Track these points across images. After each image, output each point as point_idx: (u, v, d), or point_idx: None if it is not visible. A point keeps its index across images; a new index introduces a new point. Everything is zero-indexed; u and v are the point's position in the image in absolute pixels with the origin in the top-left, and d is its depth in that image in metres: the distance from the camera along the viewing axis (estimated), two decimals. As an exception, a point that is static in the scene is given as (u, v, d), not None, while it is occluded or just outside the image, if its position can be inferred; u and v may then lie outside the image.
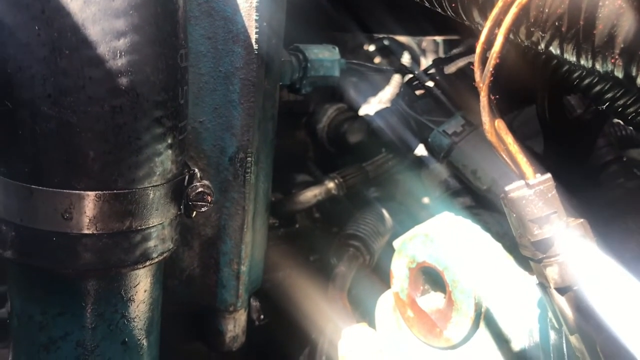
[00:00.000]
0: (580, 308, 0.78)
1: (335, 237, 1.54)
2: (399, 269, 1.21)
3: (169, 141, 0.89)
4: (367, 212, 1.55)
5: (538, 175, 0.79)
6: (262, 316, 1.51)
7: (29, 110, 0.81)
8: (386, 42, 2.43)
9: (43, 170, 0.83)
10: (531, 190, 0.78)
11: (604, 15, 0.70)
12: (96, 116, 0.81)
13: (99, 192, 0.84)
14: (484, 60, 0.76)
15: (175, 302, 1.14)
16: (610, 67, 0.74)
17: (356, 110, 1.81)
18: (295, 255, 1.61)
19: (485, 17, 0.83)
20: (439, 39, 2.34)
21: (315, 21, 1.63)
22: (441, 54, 2.35)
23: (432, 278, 1.19)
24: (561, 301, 0.79)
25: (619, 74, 0.74)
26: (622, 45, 0.70)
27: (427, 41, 2.43)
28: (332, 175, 1.58)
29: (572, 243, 0.78)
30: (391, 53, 2.41)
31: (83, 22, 0.77)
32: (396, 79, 2.15)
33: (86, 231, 0.85)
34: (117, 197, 0.85)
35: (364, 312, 1.40)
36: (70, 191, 0.83)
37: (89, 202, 0.84)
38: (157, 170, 0.88)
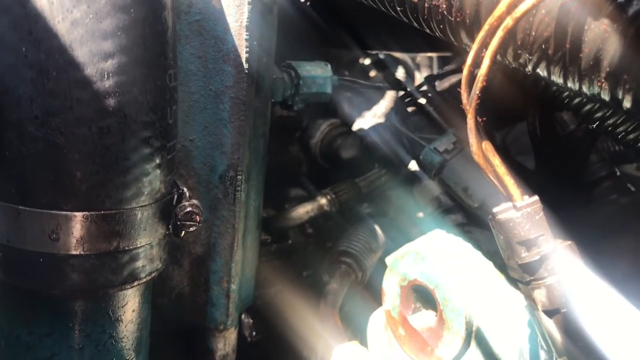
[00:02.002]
0: (568, 330, 0.78)
1: (327, 253, 1.54)
2: (391, 286, 1.21)
3: (157, 161, 0.88)
4: (359, 228, 1.54)
5: (526, 197, 0.79)
6: (254, 333, 1.50)
7: (16, 132, 0.80)
8: (381, 56, 2.44)
9: (30, 191, 0.82)
10: (519, 212, 0.78)
11: (589, 39, 0.70)
12: (84, 137, 0.81)
13: (87, 212, 0.83)
14: (470, 83, 0.77)
15: (164, 321, 1.14)
16: (596, 89, 0.75)
17: (350, 125, 1.82)
18: (287, 271, 1.60)
19: (472, 39, 0.83)
20: (433, 55, 2.35)
21: (309, 37, 1.64)
22: (435, 69, 2.36)
23: (423, 296, 1.18)
24: (549, 324, 0.79)
25: (606, 96, 0.74)
26: (607, 69, 0.70)
27: (421, 56, 2.44)
28: (325, 191, 1.58)
29: (559, 266, 0.78)
30: (386, 67, 2.42)
31: (71, 44, 0.77)
32: (390, 93, 2.15)
33: (73, 252, 0.84)
34: (105, 217, 0.85)
35: (355, 330, 1.39)
36: (58, 212, 0.82)
37: (76, 223, 0.83)
38: (145, 190, 0.88)
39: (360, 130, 1.73)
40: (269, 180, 1.34)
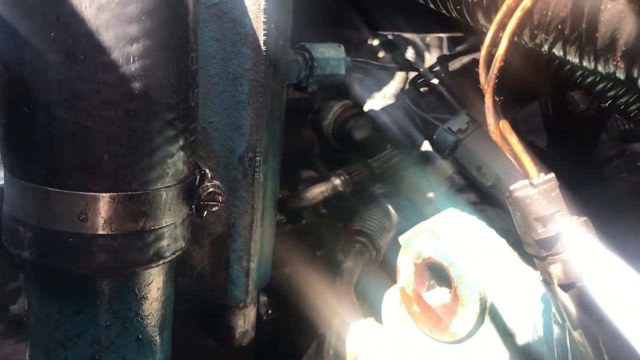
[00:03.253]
0: (584, 304, 0.80)
1: (341, 233, 1.56)
2: (405, 264, 1.23)
3: (181, 143, 0.91)
4: (373, 208, 1.56)
5: (542, 174, 0.81)
6: (270, 311, 1.53)
7: (45, 115, 0.83)
8: (390, 37, 2.45)
9: (59, 173, 0.85)
10: (535, 189, 0.80)
11: (605, 19, 0.72)
12: (110, 120, 0.83)
13: (114, 193, 0.86)
14: (488, 63, 0.78)
15: (186, 299, 1.16)
16: (612, 69, 0.76)
17: (361, 106, 1.83)
18: (302, 251, 1.63)
19: (489, 20, 0.85)
20: (443, 35, 2.35)
21: (320, 19, 1.65)
22: (445, 50, 2.36)
23: (437, 273, 1.21)
24: (565, 298, 0.81)
25: (621, 75, 0.76)
26: (623, 48, 0.72)
27: (431, 37, 2.44)
28: (338, 172, 1.60)
29: (575, 241, 0.80)
30: (395, 48, 2.43)
31: (97, 28, 0.79)
32: (400, 74, 2.17)
33: (101, 232, 0.87)
34: (131, 198, 0.87)
35: (370, 307, 1.42)
36: (86, 193, 0.85)
37: (104, 204, 0.86)
38: (169, 171, 0.90)
39: (373, 111, 1.75)
40: (283, 162, 1.36)
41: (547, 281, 0.84)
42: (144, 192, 0.88)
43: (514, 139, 0.81)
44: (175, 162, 0.91)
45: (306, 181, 1.70)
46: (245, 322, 1.26)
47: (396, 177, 1.66)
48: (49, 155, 0.84)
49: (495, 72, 0.77)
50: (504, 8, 0.75)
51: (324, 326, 1.41)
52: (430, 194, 1.48)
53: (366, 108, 1.85)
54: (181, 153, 0.91)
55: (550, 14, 0.76)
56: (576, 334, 0.83)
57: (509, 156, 0.82)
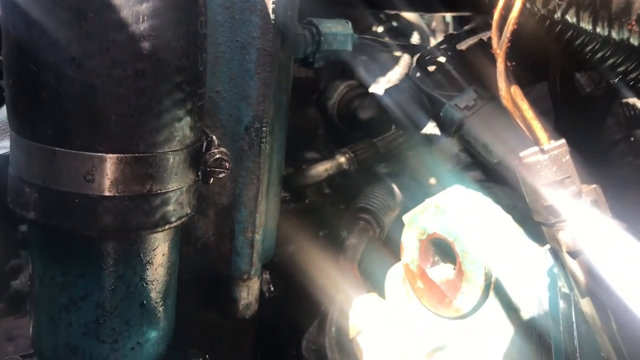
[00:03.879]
0: (592, 272, 0.80)
1: (345, 212, 1.56)
2: (410, 240, 1.23)
3: (189, 107, 0.90)
4: (378, 186, 1.56)
5: (552, 140, 0.80)
6: (272, 288, 1.53)
7: (54, 74, 0.82)
8: (395, 24, 2.44)
9: (66, 133, 0.84)
10: (545, 155, 0.79)
11: (621, -18, 0.71)
12: (119, 79, 0.82)
13: (121, 154, 0.85)
14: (501, 27, 0.78)
15: (190, 270, 1.16)
16: (626, 34, 0.76)
17: (367, 87, 1.82)
18: (305, 229, 1.62)
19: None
20: (448, 16, 2.34)
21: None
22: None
23: (442, 250, 1.21)
24: (573, 265, 0.81)
25: (635, 41, 0.75)
26: (639, 12, 0.71)
27: (436, 21, 2.43)
28: (343, 150, 1.59)
29: (585, 207, 0.80)
30: (400, 34, 2.42)
31: (107, -14, 0.78)
32: (405, 59, 2.16)
33: (107, 193, 0.86)
34: (138, 160, 0.87)
35: (373, 285, 1.41)
36: (93, 153, 0.84)
37: (111, 165, 0.85)
38: (176, 135, 0.90)
39: (378, 91, 1.74)
40: (288, 141, 1.36)
41: (555, 250, 0.84)
42: (151, 154, 0.88)
43: (525, 105, 0.81)
44: (183, 126, 0.90)
45: (311, 161, 1.70)
46: (249, 294, 1.26)
47: (401, 157, 1.65)
48: (56, 115, 0.84)
49: (508, 35, 0.76)
50: (518, -31, 0.74)
51: (327, 303, 1.41)
52: (436, 173, 1.47)
53: (371, 89, 1.84)
54: (188, 118, 0.91)
55: (564, -23, 0.76)
56: (584, 303, 0.83)
57: (519, 122, 0.82)
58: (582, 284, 0.81)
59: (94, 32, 0.80)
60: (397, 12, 2.17)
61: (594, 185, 0.81)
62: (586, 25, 0.79)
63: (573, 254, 0.80)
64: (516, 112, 0.81)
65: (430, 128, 1.54)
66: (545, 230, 0.84)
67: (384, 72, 2.14)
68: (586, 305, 0.82)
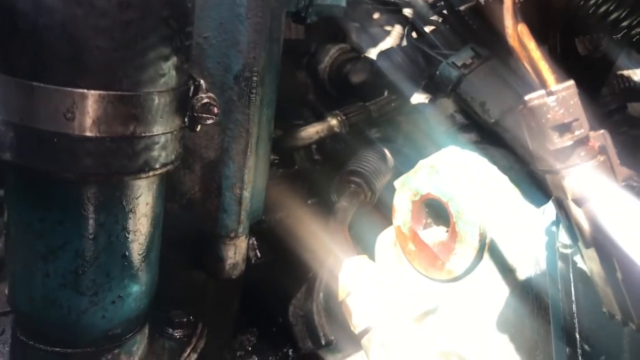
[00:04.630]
0: (598, 220, 0.76)
1: (336, 175, 1.51)
2: (402, 202, 1.19)
3: (176, 44, 0.85)
4: (369, 150, 1.52)
5: (559, 83, 0.77)
6: (258, 254, 1.49)
7: (32, 1, 0.77)
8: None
9: (45, 66, 0.79)
10: (553, 97, 0.75)
11: None
12: (103, 9, 0.77)
13: (103, 92, 0.80)
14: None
15: (175, 227, 1.11)
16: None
17: (359, 51, 1.78)
18: (294, 196, 1.58)
19: None
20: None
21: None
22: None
23: (434, 212, 1.17)
24: (578, 214, 0.77)
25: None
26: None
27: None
28: (335, 112, 1.55)
29: (592, 152, 0.76)
30: (396, 7, 2.37)
31: None
32: (397, 31, 2.11)
33: (88, 133, 0.82)
34: (122, 98, 0.82)
35: (364, 250, 1.38)
36: (73, 89, 0.79)
37: (93, 102, 0.80)
38: (162, 74, 0.85)
39: (371, 55, 1.70)
40: (276, 106, 1.31)
41: (560, 199, 0.80)
42: (136, 93, 0.83)
43: (532, 44, 0.77)
44: (169, 65, 0.86)
45: (301, 127, 1.65)
46: (236, 253, 1.22)
47: (393, 122, 1.61)
48: (34, 47, 0.79)
49: (517, -35, 0.72)
50: None
51: (317, 265, 1.37)
52: (430, 135, 1.44)
53: (367, 52, 1.79)
54: (175, 57, 0.86)
55: None
56: (588, 253, 0.79)
57: (525, 63, 0.78)
58: (586, 234, 0.77)
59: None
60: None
61: (602, 131, 0.78)
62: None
63: (578, 202, 0.76)
64: (522, 53, 0.77)
65: (425, 91, 1.51)
66: (549, 178, 0.80)
67: (376, 39, 2.10)
68: (590, 256, 0.79)
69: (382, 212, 1.43)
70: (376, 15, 1.99)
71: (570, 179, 0.77)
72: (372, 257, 1.29)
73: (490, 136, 1.28)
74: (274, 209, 1.53)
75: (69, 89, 0.79)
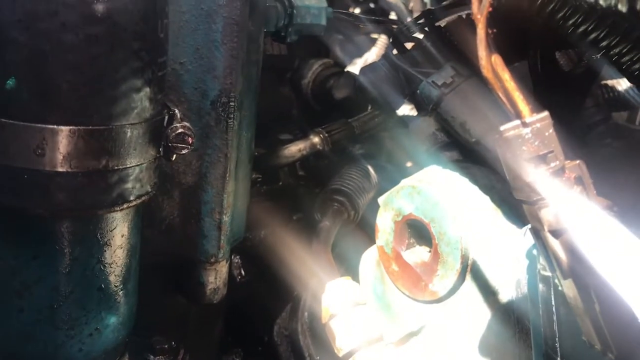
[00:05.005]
0: (575, 252, 0.76)
1: (319, 194, 1.51)
2: (385, 222, 1.19)
3: (148, 76, 0.84)
4: (352, 167, 1.51)
5: (535, 113, 0.76)
6: (242, 273, 1.48)
7: (-2, 37, 0.76)
8: (372, 5, 2.38)
9: (14, 102, 0.78)
10: (527, 128, 0.75)
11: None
12: (71, 44, 0.76)
13: (74, 127, 0.79)
14: (482, -10, 0.73)
15: (154, 253, 1.10)
16: (614, 0, 0.71)
17: (342, 66, 1.77)
18: (277, 213, 1.57)
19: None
20: (427, -5, 2.30)
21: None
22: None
23: (417, 232, 1.16)
24: (555, 245, 0.77)
25: (623, 7, 0.71)
26: (628, -26, 0.67)
27: (414, 1, 2.38)
28: (318, 130, 1.54)
29: (568, 184, 0.76)
30: (378, 14, 2.36)
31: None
32: (382, 38, 2.10)
33: (60, 169, 0.80)
34: (93, 133, 0.81)
35: (348, 269, 1.37)
36: (43, 125, 0.78)
37: (63, 138, 0.79)
38: (134, 107, 0.84)
39: (354, 70, 1.69)
40: (260, 122, 1.30)
41: (537, 229, 0.80)
42: (107, 127, 0.82)
43: (506, 75, 0.76)
44: (141, 97, 0.84)
45: (284, 142, 1.64)
46: (216, 278, 1.20)
47: (377, 138, 1.60)
48: (2, 83, 0.77)
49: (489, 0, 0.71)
50: None
51: (300, 288, 1.36)
52: (412, 154, 1.43)
53: (350, 67, 1.78)
54: (147, 88, 0.85)
55: (549, -62, 0.71)
56: (566, 284, 0.79)
57: (500, 94, 0.77)
58: (564, 265, 0.76)
59: (41, -8, 0.74)
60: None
61: (578, 161, 0.77)
62: (572, -10, 0.75)
63: (555, 233, 0.76)
64: (497, 83, 0.76)
65: (407, 108, 1.50)
66: (526, 208, 0.80)
67: (360, 51, 2.09)
68: (568, 287, 0.78)
69: (366, 229, 1.42)
70: (360, 28, 1.98)
71: (546, 210, 0.76)
72: (356, 275, 1.28)
73: (472, 154, 1.27)
74: (258, 226, 1.52)
75: (39, 125, 0.78)
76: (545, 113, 0.75)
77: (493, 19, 0.75)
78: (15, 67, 0.76)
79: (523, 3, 1.01)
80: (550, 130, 0.75)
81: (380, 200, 1.20)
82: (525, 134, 0.75)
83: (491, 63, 0.75)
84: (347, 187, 1.44)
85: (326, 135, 1.52)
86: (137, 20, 0.80)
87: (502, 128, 0.77)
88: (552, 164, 0.75)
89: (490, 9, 0.72)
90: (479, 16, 0.73)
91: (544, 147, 0.74)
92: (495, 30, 0.75)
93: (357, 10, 2.37)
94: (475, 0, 0.73)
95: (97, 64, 0.78)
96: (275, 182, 1.59)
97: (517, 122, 0.76)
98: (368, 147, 1.63)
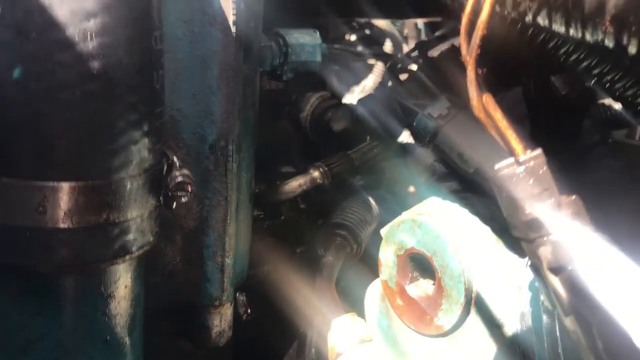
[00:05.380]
0: (575, 288, 0.76)
1: (321, 228, 1.51)
2: (387, 256, 1.19)
3: (145, 128, 0.85)
4: (354, 200, 1.51)
5: (528, 151, 0.77)
6: (248, 310, 1.48)
7: (-3, 98, 0.77)
8: (367, 31, 2.40)
9: (13, 161, 0.79)
10: (522, 167, 0.75)
11: (593, -19, 0.68)
12: (68, 103, 0.77)
13: (74, 183, 0.80)
14: (470, 33, 0.74)
15: (158, 299, 1.10)
16: (600, 36, 0.72)
17: (340, 98, 1.78)
18: (281, 248, 1.57)
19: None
20: (420, 22, 2.32)
21: (294, 6, 1.60)
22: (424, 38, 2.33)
23: (421, 265, 1.16)
24: (555, 282, 0.77)
25: (610, 43, 0.72)
26: (613, 12, 0.68)
27: (409, 27, 2.41)
28: (317, 164, 1.54)
29: (565, 221, 0.76)
30: (373, 41, 2.38)
31: (50, 3, 0.73)
32: (379, 67, 2.12)
33: (62, 225, 0.81)
34: (93, 188, 0.82)
35: (353, 303, 1.37)
36: (44, 183, 0.79)
37: (64, 195, 0.80)
38: (133, 159, 0.85)
39: (351, 102, 1.70)
40: (260, 156, 1.31)
41: (536, 266, 0.80)
42: (107, 181, 0.83)
43: (498, 114, 0.77)
44: (140, 149, 0.85)
45: (285, 176, 1.65)
46: (221, 321, 1.21)
47: (377, 169, 1.61)
48: (1, 142, 0.78)
49: (478, 41, 0.72)
50: (485, -27, 0.70)
51: (305, 325, 1.36)
52: (412, 184, 1.43)
53: (345, 100, 1.80)
54: (146, 139, 0.86)
55: (534, -21, 0.72)
56: (568, 321, 0.78)
57: (493, 133, 0.78)
58: (565, 302, 0.76)
59: (38, 52, 0.75)
60: (368, 19, 2.14)
61: (574, 197, 0.77)
62: (559, 28, 0.76)
63: (555, 271, 0.76)
64: (489, 122, 0.77)
65: (406, 138, 1.50)
66: (524, 245, 0.80)
67: (357, 81, 2.11)
68: (570, 323, 0.78)
69: (369, 262, 1.42)
70: (356, 56, 2.00)
71: (545, 248, 0.76)
72: (361, 309, 1.28)
73: (471, 185, 1.28)
74: (262, 262, 1.52)
75: (39, 182, 0.79)
76: (539, 151, 0.76)
77: (482, 58, 0.76)
78: (14, 126, 0.77)
79: (512, 38, 1.02)
80: (544, 168, 0.75)
81: (383, 232, 1.20)
82: (519, 172, 0.75)
83: (482, 103, 0.76)
84: (349, 221, 1.44)
85: (326, 169, 1.53)
86: (132, 74, 0.81)
87: (496, 166, 0.78)
88: (548, 201, 0.75)
89: (479, 50, 0.73)
90: (468, 58, 0.74)
91: (539, 185, 0.75)
92: (485, 70, 0.76)
93: (353, 37, 2.39)
94: (464, 42, 0.74)
95: (95, 120, 0.79)
96: (278, 217, 1.59)
97: (512, 159, 0.77)
98: (368, 178, 1.64)
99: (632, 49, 0.70)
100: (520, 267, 1.06)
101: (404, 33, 2.41)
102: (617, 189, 1.36)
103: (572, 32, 0.73)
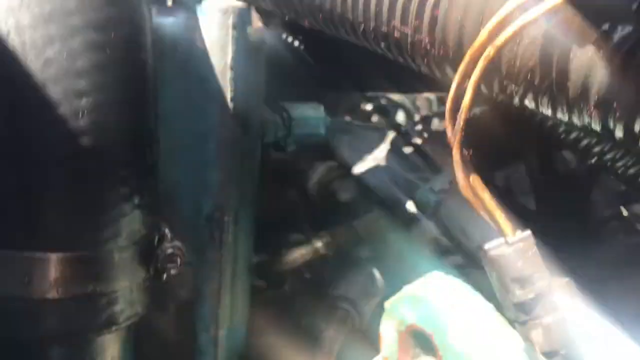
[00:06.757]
0: (569, 375, 0.73)
1: (323, 299, 1.49)
2: (388, 332, 1.16)
3: (136, 201, 0.86)
4: (357, 272, 1.50)
5: (518, 232, 0.75)
6: (251, 384, 1.44)
7: (-14, 171, 0.79)
8: (383, 102, 2.43)
9: (1, 232, 0.80)
10: (510, 248, 0.74)
11: (576, 67, 0.68)
12: (58, 177, 0.79)
13: (61, 254, 0.81)
14: (454, 115, 0.74)
15: (151, 370, 1.09)
16: (587, 119, 0.72)
17: (349, 168, 1.79)
18: (284, 319, 1.55)
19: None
20: (431, 96, 2.34)
21: (304, 80, 1.63)
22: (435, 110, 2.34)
23: (422, 341, 1.13)
24: (549, 366, 0.74)
25: (597, 126, 0.71)
26: (596, 97, 0.67)
27: (420, 100, 2.43)
28: (321, 234, 1.53)
29: (556, 304, 0.74)
30: (386, 112, 2.41)
31: (44, 83, 0.76)
32: (391, 136, 2.13)
33: (48, 296, 0.81)
34: (81, 259, 0.82)
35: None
36: (30, 254, 0.80)
37: (51, 265, 0.81)
38: (123, 231, 0.85)
39: (358, 172, 1.70)
40: (265, 224, 1.30)
41: (530, 349, 0.77)
42: (95, 253, 0.83)
43: (486, 195, 0.76)
44: (130, 221, 0.86)
45: (290, 245, 1.64)
46: (215, 396, 1.18)
47: (381, 240, 1.59)
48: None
49: (462, 124, 0.72)
50: (467, 58, 0.70)
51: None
52: (416, 257, 1.41)
53: (355, 170, 1.80)
54: (137, 212, 0.87)
55: (518, 63, 0.73)
56: (564, 406, 0.75)
57: (482, 213, 0.77)
58: (559, 388, 0.73)
59: (30, 129, 0.77)
60: (380, 93, 2.17)
61: (566, 279, 0.75)
62: (546, 110, 0.76)
63: (547, 355, 0.73)
64: (477, 203, 0.76)
65: (410, 210, 1.50)
66: (517, 328, 0.78)
67: (369, 149, 2.12)
68: (566, 411, 0.75)
69: (373, 336, 1.39)
70: (367, 125, 2.02)
71: (536, 332, 0.74)
72: (362, 386, 1.24)
73: (474, 259, 1.26)
74: (264, 333, 1.49)
75: (25, 253, 0.80)
76: (527, 233, 0.74)
77: (469, 139, 0.76)
78: (2, 199, 0.79)
79: (510, 117, 1.02)
80: (534, 250, 0.74)
81: (386, 305, 1.18)
82: (508, 253, 0.74)
83: (470, 184, 0.76)
84: (352, 293, 1.42)
85: (330, 239, 1.52)
86: (125, 151, 0.83)
87: (486, 247, 0.77)
88: (538, 284, 0.73)
89: (462, 133, 0.73)
90: (453, 140, 0.74)
91: (528, 268, 0.73)
92: (471, 151, 0.76)
93: (368, 107, 2.42)
94: (449, 125, 0.74)
95: (85, 195, 0.81)
96: (281, 287, 1.57)
97: (502, 240, 0.75)
98: (373, 249, 1.62)
99: (618, 133, 0.69)
100: (523, 345, 1.03)
101: (415, 103, 2.44)
102: (627, 269, 1.33)
103: (559, 115, 0.73)
